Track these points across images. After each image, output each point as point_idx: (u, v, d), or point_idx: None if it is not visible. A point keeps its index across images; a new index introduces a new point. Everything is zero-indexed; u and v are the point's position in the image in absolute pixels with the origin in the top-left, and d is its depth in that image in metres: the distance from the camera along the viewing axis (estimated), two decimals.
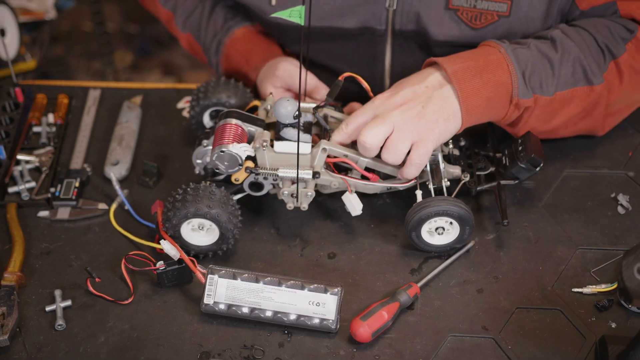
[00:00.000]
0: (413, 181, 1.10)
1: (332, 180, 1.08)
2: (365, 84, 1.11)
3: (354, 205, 1.09)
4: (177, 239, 1.07)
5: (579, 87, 1.11)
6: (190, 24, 1.33)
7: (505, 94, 1.08)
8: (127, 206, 1.15)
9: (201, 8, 1.32)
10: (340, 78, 1.11)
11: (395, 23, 1.17)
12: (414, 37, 1.19)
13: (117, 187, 1.14)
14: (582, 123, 1.17)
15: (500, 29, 1.15)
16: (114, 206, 1.16)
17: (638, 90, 1.16)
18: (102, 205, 1.17)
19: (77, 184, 1.19)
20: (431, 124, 1.05)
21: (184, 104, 1.35)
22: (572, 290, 1.05)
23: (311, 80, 1.21)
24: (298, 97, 1.02)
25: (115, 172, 1.20)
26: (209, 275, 1.02)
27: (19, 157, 1.23)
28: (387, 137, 1.05)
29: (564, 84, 1.10)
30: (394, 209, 1.15)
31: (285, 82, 1.21)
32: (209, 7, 1.32)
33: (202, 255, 1.10)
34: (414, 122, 1.05)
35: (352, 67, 1.25)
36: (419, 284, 1.05)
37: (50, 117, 1.30)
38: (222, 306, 1.01)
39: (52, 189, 1.18)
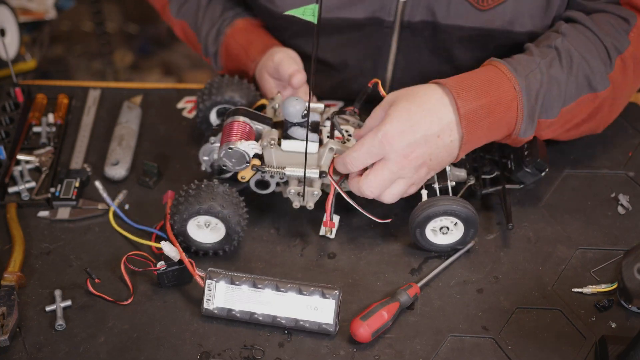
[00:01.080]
0: None
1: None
2: (383, 93, 1.09)
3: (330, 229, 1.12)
4: (181, 234, 1.07)
5: (582, 97, 1.09)
6: (185, 11, 1.33)
7: (507, 131, 1.07)
8: (119, 213, 1.14)
9: None
10: (369, 84, 1.12)
11: (405, 14, 1.17)
12: (422, 27, 1.18)
13: (104, 195, 1.14)
14: (585, 126, 1.16)
15: (508, 10, 1.13)
16: (112, 207, 1.16)
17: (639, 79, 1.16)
18: (102, 205, 1.17)
19: (77, 184, 1.19)
20: (430, 172, 1.06)
21: (184, 104, 1.35)
22: (572, 290, 1.05)
23: (292, 66, 1.18)
24: (308, 96, 1.02)
25: (112, 173, 1.20)
26: (207, 281, 1.02)
27: (19, 157, 1.23)
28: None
29: (569, 99, 1.09)
30: (394, 210, 1.15)
31: (276, 70, 1.20)
32: None
33: (202, 252, 1.10)
34: (417, 172, 1.04)
35: (357, 59, 1.25)
36: (419, 284, 1.05)
37: (50, 117, 1.30)
38: (221, 311, 1.01)
39: (52, 189, 1.18)
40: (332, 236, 1.12)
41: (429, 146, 1.03)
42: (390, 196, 1.06)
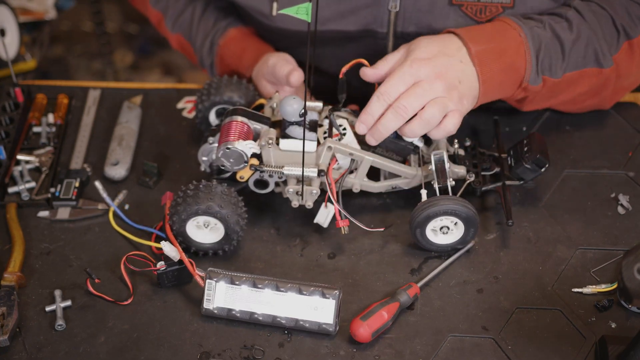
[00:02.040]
0: (417, 180, 1.11)
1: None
2: (366, 63, 1.12)
3: (326, 218, 1.11)
4: (181, 235, 1.07)
5: (588, 69, 1.13)
6: (180, 24, 1.34)
7: (517, 78, 1.10)
8: (119, 213, 1.14)
9: (192, 9, 1.32)
10: (340, 75, 1.13)
11: (397, 25, 1.17)
12: (416, 37, 1.18)
13: (104, 195, 1.14)
14: (590, 101, 1.20)
15: None
16: (112, 207, 1.16)
17: None
18: (102, 205, 1.17)
19: (77, 184, 1.19)
20: (462, 100, 1.07)
21: (184, 104, 1.35)
22: (572, 290, 1.05)
23: (287, 66, 1.18)
24: (304, 95, 1.03)
25: (112, 173, 1.20)
26: (207, 280, 1.02)
27: (19, 157, 1.23)
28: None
29: (574, 66, 1.12)
30: (394, 209, 1.15)
31: (271, 74, 1.20)
32: (200, 8, 1.32)
33: (202, 252, 1.10)
34: (449, 93, 1.05)
35: (353, 69, 1.25)
36: (419, 284, 1.05)
37: (50, 117, 1.30)
38: (221, 310, 1.01)
39: (52, 189, 1.18)
40: (346, 231, 1.10)
41: (456, 70, 1.06)
42: (428, 115, 1.04)
